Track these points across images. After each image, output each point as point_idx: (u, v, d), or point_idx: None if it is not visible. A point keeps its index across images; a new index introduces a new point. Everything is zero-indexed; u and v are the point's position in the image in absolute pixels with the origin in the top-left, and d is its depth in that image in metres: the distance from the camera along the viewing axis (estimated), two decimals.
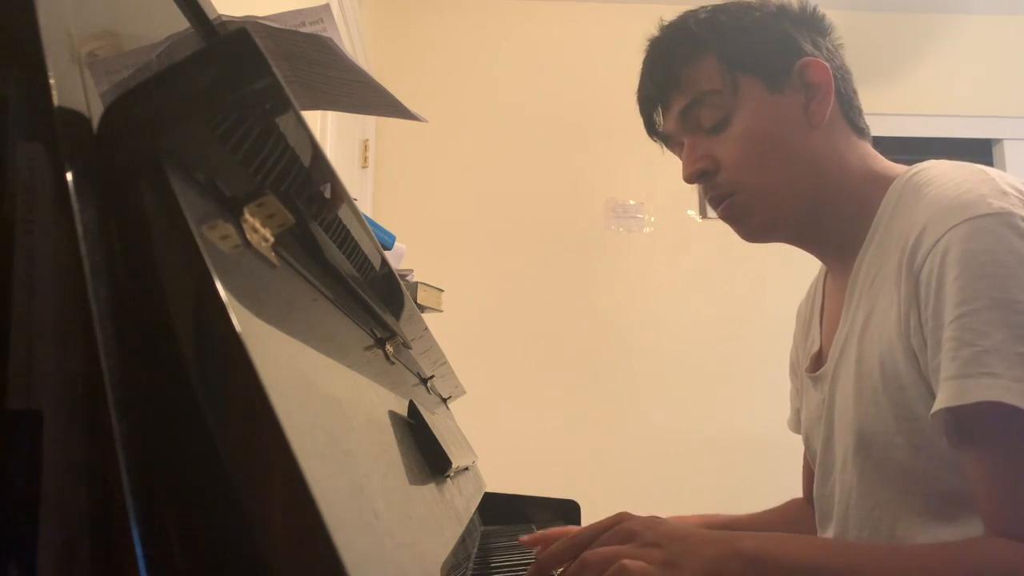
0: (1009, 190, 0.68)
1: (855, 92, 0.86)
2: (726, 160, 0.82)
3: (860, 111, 0.86)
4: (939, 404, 0.64)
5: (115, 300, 0.28)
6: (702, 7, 0.86)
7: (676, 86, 0.84)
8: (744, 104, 0.81)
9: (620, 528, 0.66)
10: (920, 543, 0.71)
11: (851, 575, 0.62)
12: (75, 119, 0.30)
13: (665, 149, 0.92)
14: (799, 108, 0.82)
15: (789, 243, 0.88)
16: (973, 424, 0.64)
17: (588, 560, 0.63)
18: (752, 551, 0.62)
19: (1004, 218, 0.65)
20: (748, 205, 0.83)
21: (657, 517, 0.69)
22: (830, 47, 0.85)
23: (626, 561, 0.61)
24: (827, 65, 0.82)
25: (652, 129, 0.90)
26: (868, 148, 0.85)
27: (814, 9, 0.86)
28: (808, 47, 0.83)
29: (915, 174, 0.78)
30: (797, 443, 1.03)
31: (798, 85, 0.82)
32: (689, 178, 0.85)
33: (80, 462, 0.26)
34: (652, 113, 0.89)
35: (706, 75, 0.82)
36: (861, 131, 0.85)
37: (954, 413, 0.64)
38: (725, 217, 0.85)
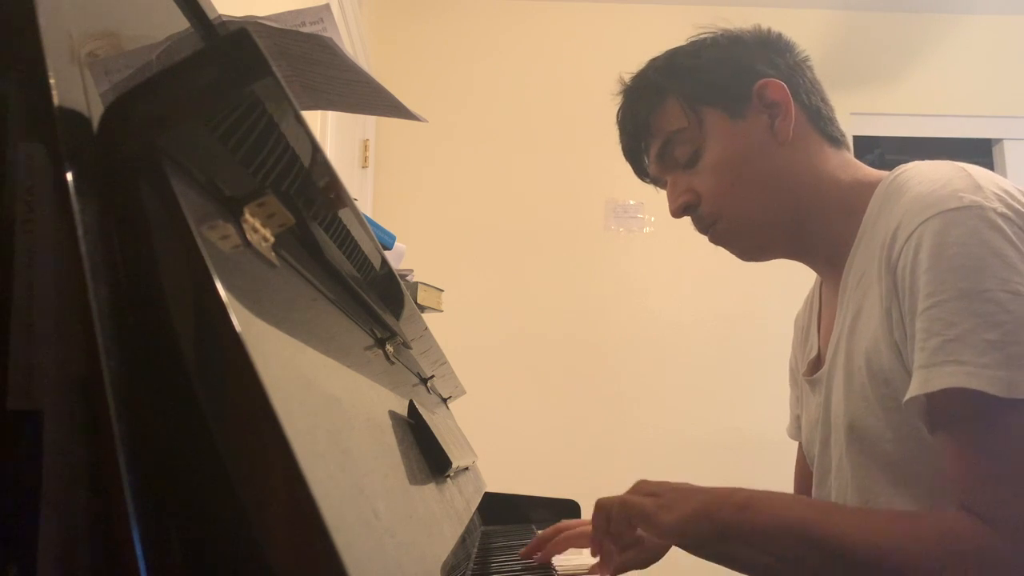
0: (985, 185, 0.69)
1: (824, 102, 0.87)
2: (704, 191, 0.85)
3: (831, 120, 0.87)
4: (910, 392, 0.66)
5: (115, 300, 0.28)
6: (661, 54, 0.89)
7: (648, 133, 0.88)
8: (711, 135, 0.84)
9: (631, 487, 0.77)
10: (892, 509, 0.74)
11: (826, 530, 0.67)
12: (75, 119, 0.30)
13: (659, 190, 0.95)
14: (765, 129, 0.83)
15: (785, 258, 0.90)
16: (944, 410, 0.66)
17: (600, 503, 0.76)
18: (742, 499, 0.70)
19: (975, 211, 0.66)
20: (732, 231, 0.86)
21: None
22: (791, 64, 0.87)
23: (627, 496, 0.74)
24: (782, 83, 0.83)
25: (643, 174, 0.95)
26: (846, 156, 0.87)
27: (769, 30, 0.89)
28: (765, 68, 0.84)
29: (897, 176, 0.79)
30: (795, 445, 1.03)
31: (759, 107, 0.84)
32: (675, 213, 0.89)
33: (80, 462, 0.26)
34: (638, 162, 0.93)
35: (671, 116, 0.86)
36: (836, 140, 0.86)
37: (925, 401, 0.66)
38: (715, 243, 0.89)
